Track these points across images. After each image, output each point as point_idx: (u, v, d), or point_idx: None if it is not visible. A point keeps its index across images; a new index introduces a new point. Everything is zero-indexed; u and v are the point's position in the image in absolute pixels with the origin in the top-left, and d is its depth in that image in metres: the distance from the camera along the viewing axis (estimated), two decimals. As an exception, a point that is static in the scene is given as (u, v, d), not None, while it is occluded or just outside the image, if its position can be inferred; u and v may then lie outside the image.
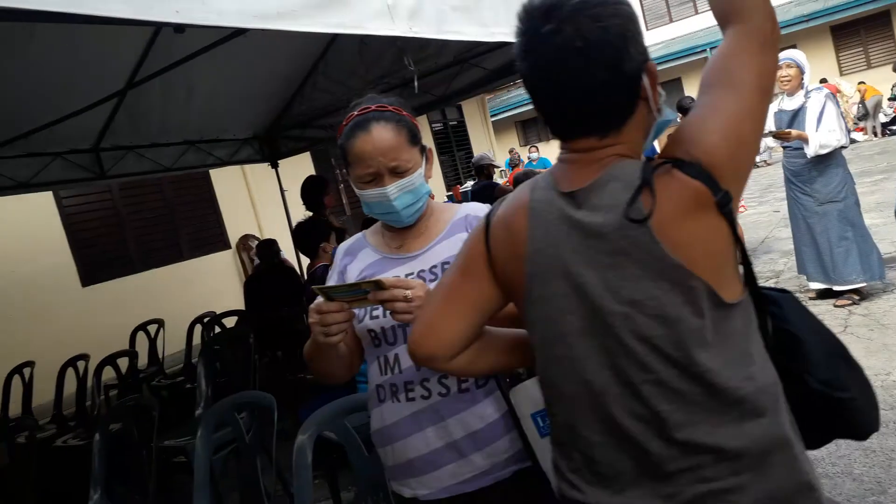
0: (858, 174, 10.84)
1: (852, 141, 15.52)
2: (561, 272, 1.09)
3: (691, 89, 19.62)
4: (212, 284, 9.01)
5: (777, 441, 1.04)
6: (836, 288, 4.97)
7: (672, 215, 1.01)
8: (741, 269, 1.09)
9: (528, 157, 13.46)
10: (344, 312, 1.39)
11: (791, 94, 4.90)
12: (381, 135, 1.49)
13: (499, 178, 11.74)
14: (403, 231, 1.62)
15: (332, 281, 1.68)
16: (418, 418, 1.51)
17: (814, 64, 18.67)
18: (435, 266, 1.57)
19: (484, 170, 7.46)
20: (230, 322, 6.06)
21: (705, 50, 18.00)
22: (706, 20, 20.82)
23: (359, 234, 1.75)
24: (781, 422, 1.05)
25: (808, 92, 4.86)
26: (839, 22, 17.42)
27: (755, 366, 1.05)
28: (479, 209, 1.65)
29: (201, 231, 9.46)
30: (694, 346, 1.01)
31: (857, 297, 4.96)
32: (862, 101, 16.02)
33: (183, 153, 6.78)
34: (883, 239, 6.44)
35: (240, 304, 6.36)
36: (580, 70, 1.03)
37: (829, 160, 4.81)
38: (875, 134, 15.69)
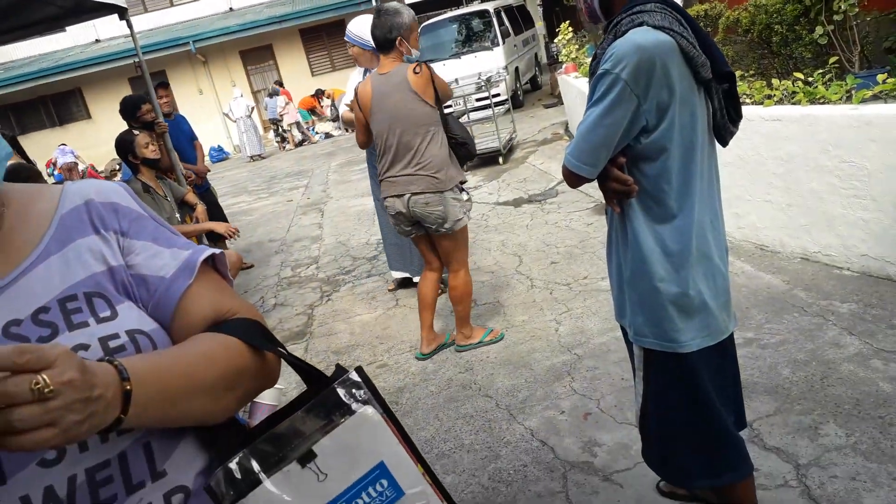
0: (346, 164, 12.12)
1: (327, 135, 17.19)
2: (384, 100, 3.32)
3: (177, 78, 18.88)
4: None
5: None
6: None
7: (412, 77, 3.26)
8: None
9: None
10: None
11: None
12: None
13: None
14: None
15: None
16: None
17: (288, 64, 19.91)
18: (45, 310, 0.82)
19: None
20: None
21: (188, 43, 17.43)
22: (182, 13, 20.29)
23: None
24: None
25: None
26: (307, 26, 18.92)
27: None
28: (105, 189, 0.95)
29: None
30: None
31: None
32: (333, 104, 17.83)
33: None
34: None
35: None
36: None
37: None
38: (346, 129, 17.61)
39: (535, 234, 5.48)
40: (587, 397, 3.01)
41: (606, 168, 1.69)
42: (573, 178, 1.74)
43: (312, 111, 18.46)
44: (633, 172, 1.69)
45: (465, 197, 3.46)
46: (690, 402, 1.82)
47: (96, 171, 16.37)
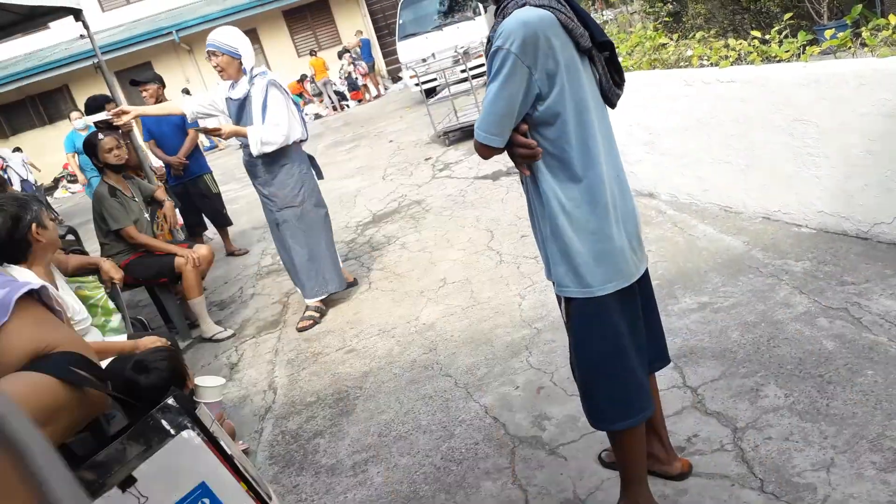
0: (333, 144, 12.10)
1: (317, 116, 17.10)
2: None
3: (163, 69, 18.81)
4: None
5: None
6: (307, 301, 4.44)
7: None
8: None
9: None
10: None
11: (235, 81, 4.07)
12: None
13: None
14: None
15: None
16: None
17: (273, 47, 19.75)
18: None
19: None
20: None
21: (171, 32, 17.31)
22: (164, 2, 20.14)
23: None
24: None
25: (252, 77, 4.01)
26: (290, 7, 18.77)
27: None
28: None
29: None
30: None
31: (317, 316, 4.38)
32: (313, 80, 17.75)
33: None
34: (374, 198, 7.12)
35: None
36: None
37: (282, 159, 4.13)
38: (334, 108, 17.53)
39: (509, 208, 5.49)
40: (542, 371, 3.06)
41: (512, 136, 1.83)
42: (484, 150, 1.84)
43: (300, 96, 18.37)
44: (536, 137, 1.82)
45: None
46: (607, 345, 1.95)
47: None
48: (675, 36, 5.16)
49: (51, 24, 17.80)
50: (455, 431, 2.82)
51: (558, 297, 2.02)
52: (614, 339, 1.92)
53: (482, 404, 2.94)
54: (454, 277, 4.43)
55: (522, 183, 2.00)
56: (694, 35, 4.89)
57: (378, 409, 3.16)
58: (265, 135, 3.98)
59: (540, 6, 1.71)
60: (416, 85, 12.54)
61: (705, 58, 4.39)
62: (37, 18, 4.59)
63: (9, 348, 0.91)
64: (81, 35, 19.86)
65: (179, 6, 20.06)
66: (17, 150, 16.84)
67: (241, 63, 3.99)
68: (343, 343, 3.97)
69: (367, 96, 17.55)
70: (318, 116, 17.30)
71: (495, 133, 1.78)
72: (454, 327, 3.72)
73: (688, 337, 3.00)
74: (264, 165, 4.17)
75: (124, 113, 4.04)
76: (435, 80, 11.58)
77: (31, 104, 18.86)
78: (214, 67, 4.00)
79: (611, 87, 1.88)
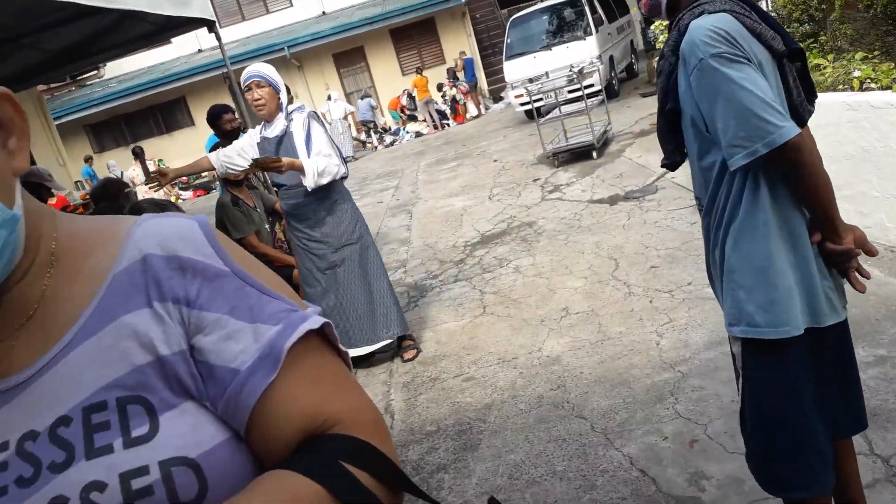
0: (435, 163, 12.04)
1: (417, 134, 17.17)
2: None
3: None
4: None
5: None
6: (369, 349, 4.04)
7: None
8: None
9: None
10: None
11: (270, 119, 3.80)
12: None
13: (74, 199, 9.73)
14: None
15: None
16: None
17: (379, 65, 20.06)
18: (66, 420, 0.62)
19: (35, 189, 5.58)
20: None
21: (283, 49, 17.89)
22: (278, 19, 20.93)
23: None
24: None
25: (289, 114, 3.80)
26: (397, 26, 19.06)
27: None
28: (172, 236, 0.67)
29: None
30: None
31: (416, 342, 4.24)
32: (410, 97, 17.88)
33: None
34: (481, 218, 6.94)
35: None
36: None
37: (333, 195, 3.87)
38: (435, 127, 17.55)
39: (633, 235, 5.17)
40: (693, 421, 2.74)
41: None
42: (795, 149, 1.46)
43: (402, 111, 18.55)
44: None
45: None
46: (790, 400, 1.67)
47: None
48: (829, 56, 4.73)
49: (173, 40, 18.91)
50: (597, 482, 2.54)
51: (733, 339, 1.75)
52: (799, 393, 1.65)
53: (626, 454, 2.65)
54: (577, 308, 4.16)
55: (708, 199, 1.71)
56: (853, 55, 4.46)
57: (505, 446, 2.93)
58: (321, 165, 3.67)
59: (718, 11, 1.52)
60: (522, 105, 12.37)
61: (869, 80, 3.97)
62: (173, 29, 4.73)
63: (279, 416, 0.65)
64: (199, 49, 20.94)
65: (291, 23, 20.76)
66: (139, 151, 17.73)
67: (279, 98, 3.77)
68: (460, 370, 3.77)
69: (467, 115, 17.50)
70: (418, 134, 17.38)
71: (780, 118, 1.45)
72: (583, 363, 3.45)
73: (867, 396, 2.60)
74: (316, 204, 3.85)
75: (163, 175, 3.88)
76: (541, 100, 11.36)
77: (152, 114, 19.91)
78: (256, 101, 3.71)
79: (802, 101, 1.64)
